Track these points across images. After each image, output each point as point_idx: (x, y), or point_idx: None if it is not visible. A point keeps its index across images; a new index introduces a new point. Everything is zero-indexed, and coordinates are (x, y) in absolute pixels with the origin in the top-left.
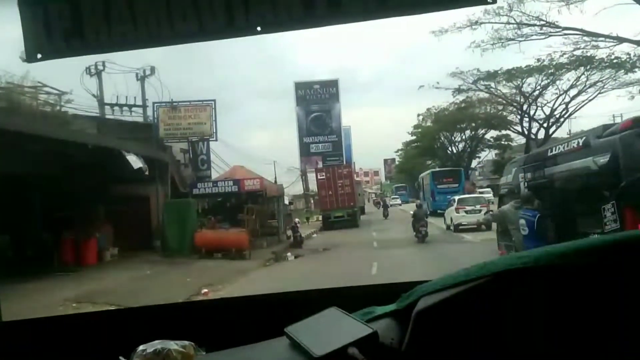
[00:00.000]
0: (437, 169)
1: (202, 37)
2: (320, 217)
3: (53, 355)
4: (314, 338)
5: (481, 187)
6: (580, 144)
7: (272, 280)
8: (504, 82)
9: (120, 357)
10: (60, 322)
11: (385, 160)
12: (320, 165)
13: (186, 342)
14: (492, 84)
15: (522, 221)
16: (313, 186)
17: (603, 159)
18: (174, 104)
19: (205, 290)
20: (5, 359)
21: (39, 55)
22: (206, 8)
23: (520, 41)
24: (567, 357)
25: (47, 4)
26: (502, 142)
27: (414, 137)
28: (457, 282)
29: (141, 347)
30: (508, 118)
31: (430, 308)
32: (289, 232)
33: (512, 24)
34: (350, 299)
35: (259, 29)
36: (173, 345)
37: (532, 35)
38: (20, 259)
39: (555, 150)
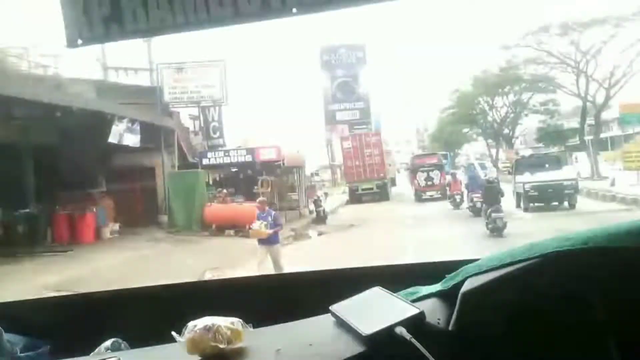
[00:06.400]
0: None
1: (238, 20)
2: (347, 190)
3: (105, 329)
4: (361, 317)
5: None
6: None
7: (288, 264)
8: (557, 37)
9: (173, 333)
10: (114, 295)
11: (418, 129)
12: (346, 133)
13: (234, 319)
14: (544, 39)
15: None
16: (341, 157)
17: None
18: (180, 64)
19: (209, 276)
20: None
21: (80, 42)
22: None
23: None
24: (615, 337)
25: None
26: (549, 107)
27: (450, 103)
28: (503, 264)
29: (192, 323)
30: (558, 80)
31: (476, 289)
32: (312, 207)
33: None
34: (392, 277)
35: (294, 10)
36: (222, 321)
37: None
38: (10, 237)
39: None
